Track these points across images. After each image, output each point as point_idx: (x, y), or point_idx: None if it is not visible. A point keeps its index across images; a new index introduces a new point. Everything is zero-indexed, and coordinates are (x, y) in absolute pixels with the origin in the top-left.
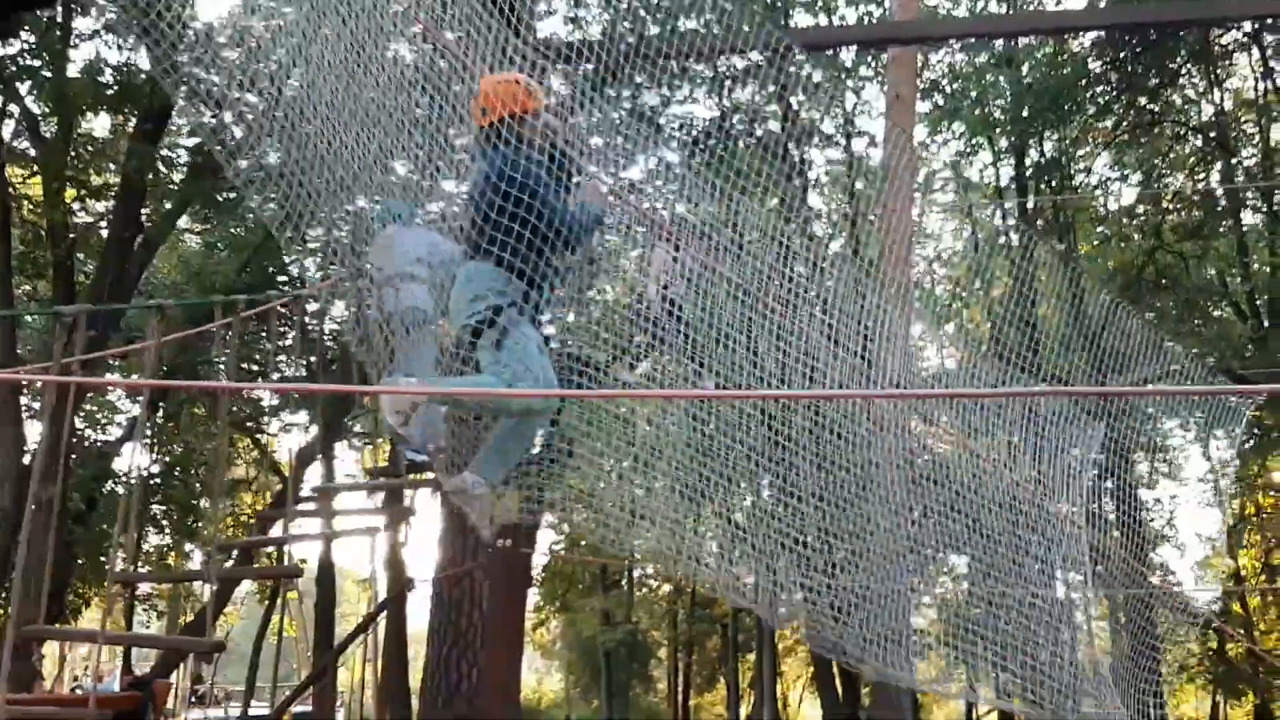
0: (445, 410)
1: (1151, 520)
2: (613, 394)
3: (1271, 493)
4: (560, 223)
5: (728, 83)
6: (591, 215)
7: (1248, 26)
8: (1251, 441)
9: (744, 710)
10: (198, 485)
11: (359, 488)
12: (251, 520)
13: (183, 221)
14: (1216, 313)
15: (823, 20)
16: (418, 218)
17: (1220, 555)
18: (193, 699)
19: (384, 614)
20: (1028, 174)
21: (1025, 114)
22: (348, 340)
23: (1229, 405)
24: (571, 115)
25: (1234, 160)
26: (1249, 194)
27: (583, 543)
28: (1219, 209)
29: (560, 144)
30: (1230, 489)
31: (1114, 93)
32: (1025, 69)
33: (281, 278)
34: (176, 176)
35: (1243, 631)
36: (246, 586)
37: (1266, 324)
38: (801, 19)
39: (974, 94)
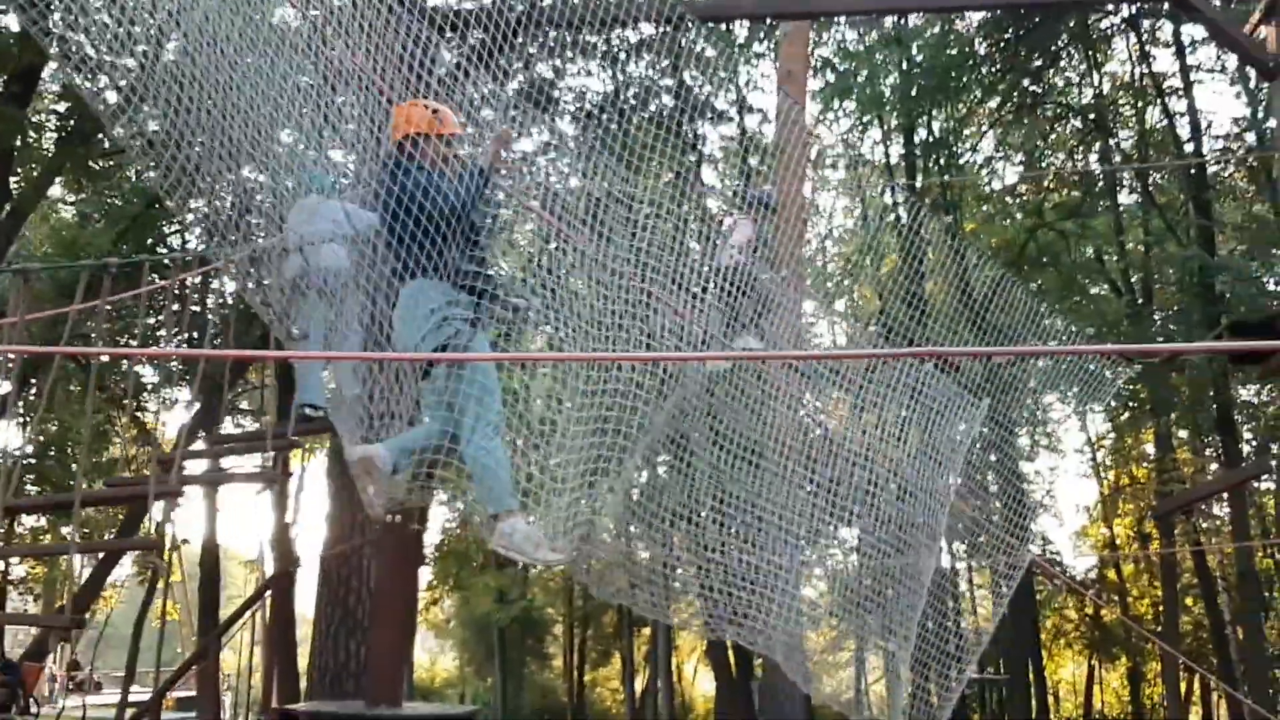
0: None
1: (1032, 492)
2: (515, 357)
3: (1144, 464)
4: (462, 211)
5: (622, 55)
6: (473, 183)
7: (1126, 11)
8: (1126, 415)
9: (639, 684)
10: (73, 465)
11: (233, 447)
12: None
13: (55, 191)
14: (1094, 290)
15: None
16: (340, 191)
17: (1096, 525)
18: (70, 684)
19: (270, 594)
20: (916, 152)
21: (914, 93)
22: (252, 308)
23: (1103, 379)
24: (461, 88)
25: (1112, 142)
26: (1125, 175)
27: (476, 520)
28: (1097, 189)
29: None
30: (1106, 460)
31: (999, 73)
32: (914, 48)
33: (160, 250)
34: (47, 141)
35: (1116, 598)
36: (126, 569)
37: (1140, 300)
38: None
39: (864, 72)
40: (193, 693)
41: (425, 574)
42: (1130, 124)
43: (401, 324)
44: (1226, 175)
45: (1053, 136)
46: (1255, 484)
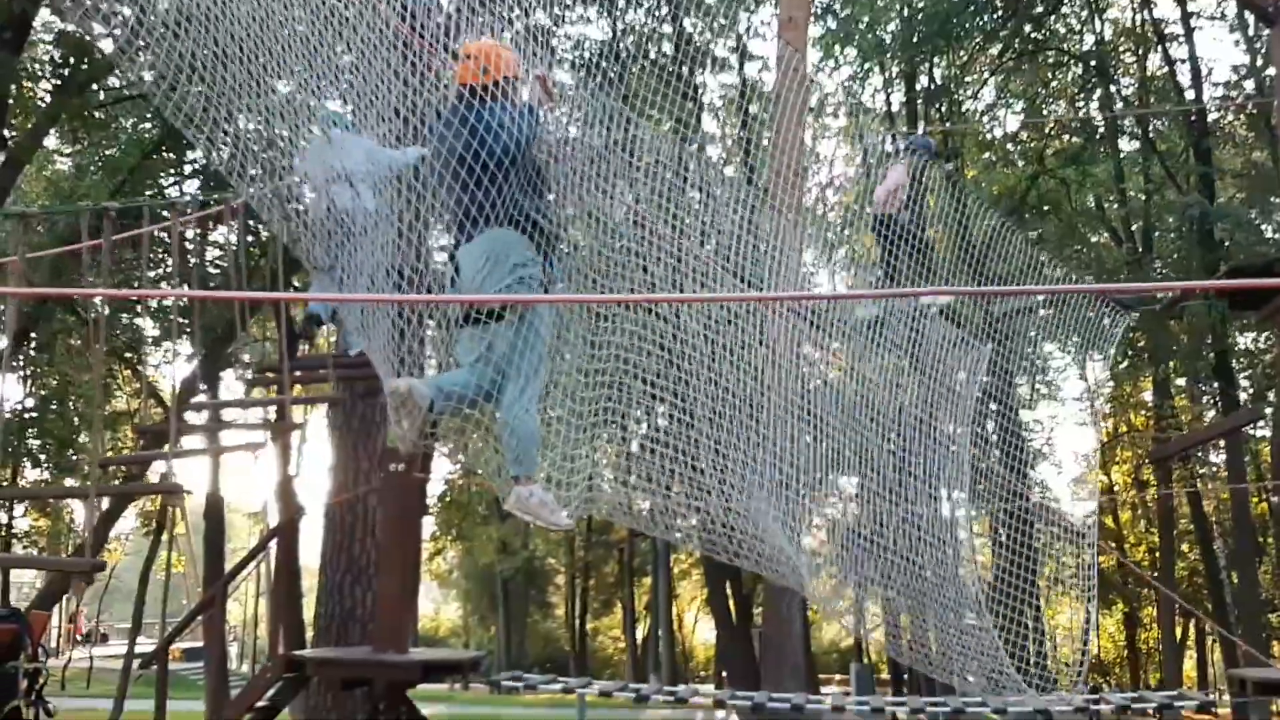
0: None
1: (1031, 440)
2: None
3: (1142, 411)
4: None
5: (620, 3)
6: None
7: None
8: (1125, 363)
9: (640, 633)
10: (75, 419)
11: (244, 404)
12: (133, 450)
13: (52, 142)
14: (1094, 238)
15: None
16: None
17: (1094, 472)
18: (77, 636)
19: (274, 543)
20: (918, 100)
21: (915, 39)
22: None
23: (1104, 327)
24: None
25: (1113, 88)
26: (1126, 122)
27: (479, 470)
28: (1098, 136)
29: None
30: (1104, 408)
31: (1000, 19)
32: None
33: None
34: (43, 89)
35: (1114, 544)
36: (131, 522)
37: (1140, 249)
38: None
39: (866, 19)
40: (199, 643)
41: (428, 525)
42: (1131, 71)
43: (475, 269)
44: (1226, 122)
45: (1054, 83)
46: (1252, 430)
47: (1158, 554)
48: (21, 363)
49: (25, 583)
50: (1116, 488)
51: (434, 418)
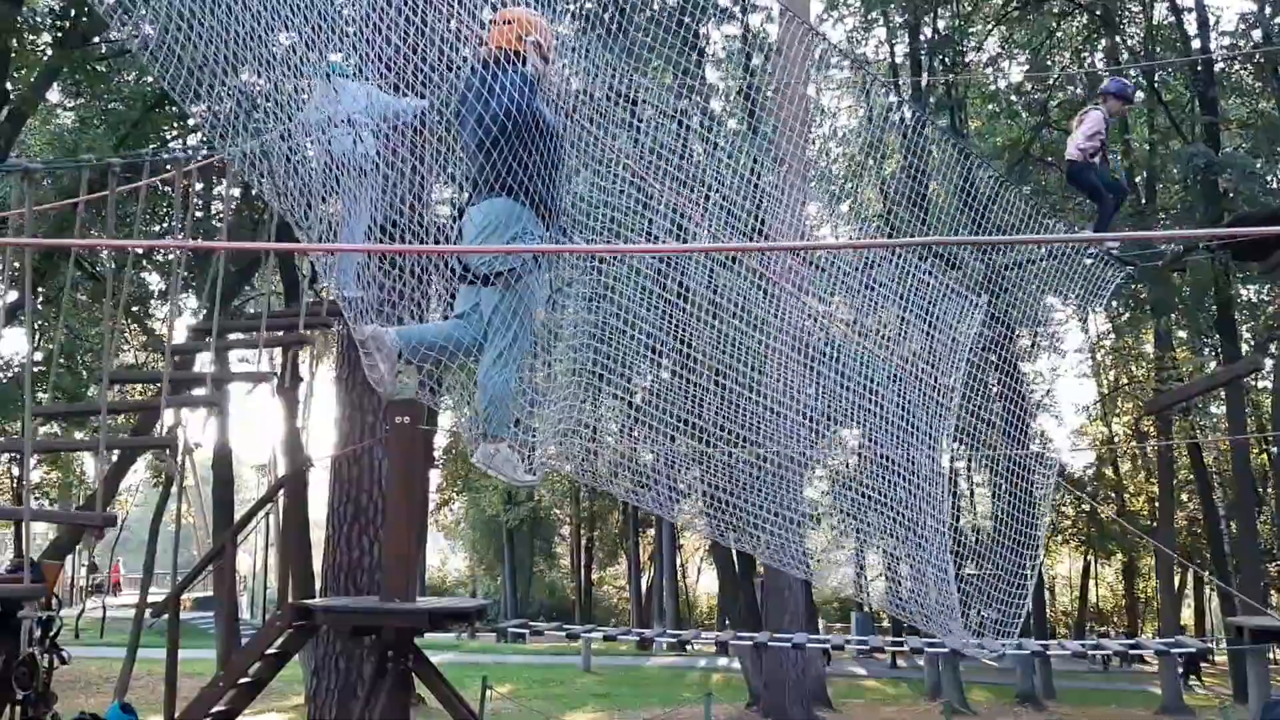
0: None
1: (1032, 392)
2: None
3: (1143, 363)
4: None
5: None
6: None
7: None
8: (1126, 315)
9: (644, 582)
10: (83, 372)
11: (247, 345)
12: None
13: (54, 96)
14: None
15: None
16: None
17: (1095, 423)
18: (90, 587)
19: (283, 494)
20: (921, 51)
21: None
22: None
23: (1103, 279)
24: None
25: (1118, 39)
26: (1131, 72)
27: (465, 429)
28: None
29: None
30: (1105, 360)
31: None
32: None
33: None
34: (44, 41)
35: (1114, 494)
36: (141, 474)
37: (1144, 200)
38: None
39: None
40: (210, 593)
41: (435, 477)
42: (1137, 20)
43: (476, 232)
44: (1233, 72)
45: (1059, 34)
46: (1252, 381)
47: (1157, 504)
48: (28, 318)
49: (38, 534)
50: (1117, 439)
51: (404, 364)
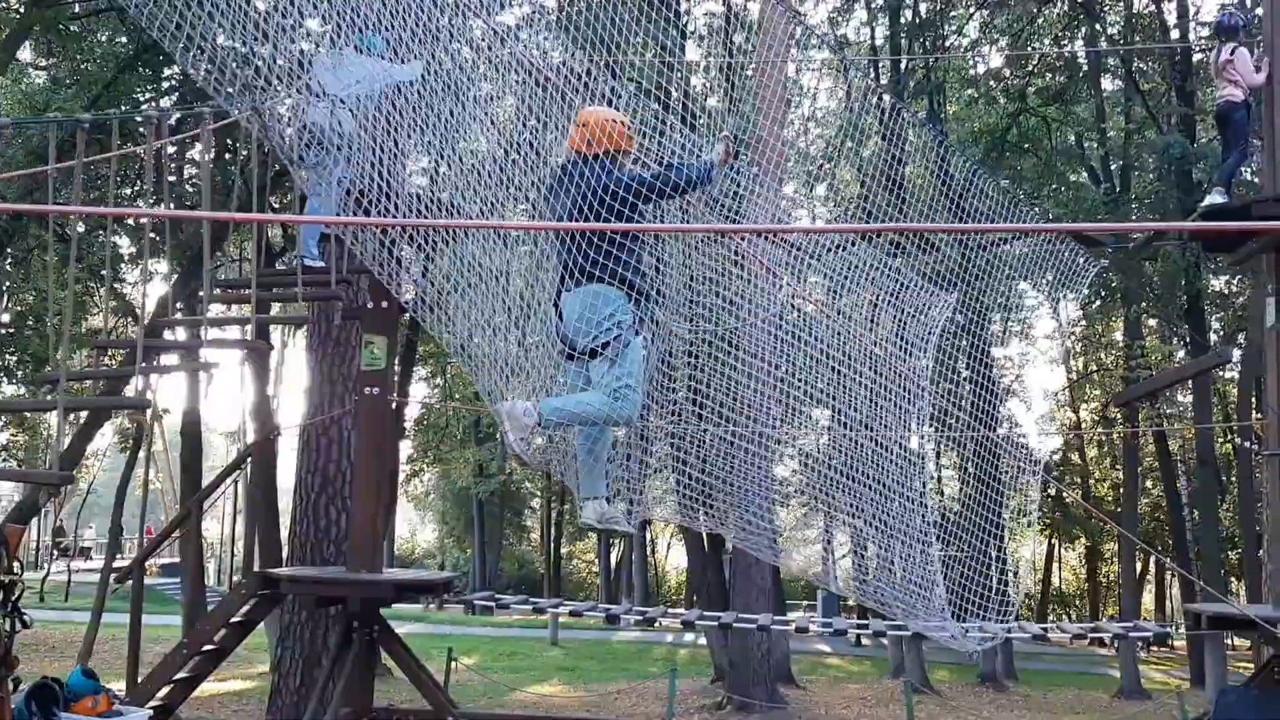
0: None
1: (1002, 377)
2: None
3: (1112, 351)
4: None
5: None
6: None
7: None
8: (1097, 303)
9: (614, 557)
10: (53, 335)
11: (217, 321)
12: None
13: (25, 55)
14: (1073, 177)
15: None
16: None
17: (1062, 409)
18: (54, 551)
19: (251, 461)
20: (901, 34)
21: None
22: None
23: (1076, 267)
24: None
25: (1098, 27)
26: (1110, 60)
27: (456, 396)
28: (1081, 75)
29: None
30: (1075, 347)
31: None
32: None
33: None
34: (14, 1)
35: (1080, 480)
36: (108, 438)
37: (1118, 189)
38: None
39: None
40: (176, 559)
41: (405, 448)
42: (1117, 9)
43: (574, 317)
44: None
45: (1039, 20)
46: (1220, 371)
47: (1122, 490)
48: None
49: (4, 495)
50: (1085, 425)
51: (538, 431)
